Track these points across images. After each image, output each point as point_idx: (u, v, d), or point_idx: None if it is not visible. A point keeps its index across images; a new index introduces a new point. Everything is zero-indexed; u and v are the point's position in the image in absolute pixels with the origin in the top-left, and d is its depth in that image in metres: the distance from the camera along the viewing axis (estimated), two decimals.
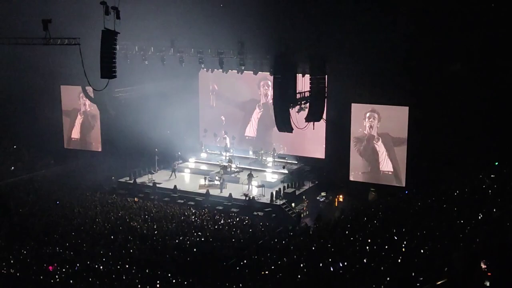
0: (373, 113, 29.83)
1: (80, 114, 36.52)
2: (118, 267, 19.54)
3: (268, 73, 29.05)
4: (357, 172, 30.52)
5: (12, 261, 20.11)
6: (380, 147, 29.91)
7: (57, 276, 18.63)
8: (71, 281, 18.11)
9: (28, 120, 33.80)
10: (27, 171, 33.59)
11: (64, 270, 19.23)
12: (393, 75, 27.46)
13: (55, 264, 19.67)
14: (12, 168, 33.77)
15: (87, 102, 35.44)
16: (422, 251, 17.92)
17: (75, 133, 36.95)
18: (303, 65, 26.62)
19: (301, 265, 18.50)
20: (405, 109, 28.83)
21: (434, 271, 15.57)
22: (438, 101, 27.30)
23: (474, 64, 26.22)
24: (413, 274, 15.62)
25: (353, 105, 30.09)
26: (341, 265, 17.30)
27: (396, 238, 19.93)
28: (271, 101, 33.13)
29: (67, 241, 22.29)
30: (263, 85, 34.82)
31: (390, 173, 29.68)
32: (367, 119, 29.96)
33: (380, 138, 29.88)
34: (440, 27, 25.71)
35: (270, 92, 33.53)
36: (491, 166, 25.99)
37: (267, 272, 18.31)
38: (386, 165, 29.81)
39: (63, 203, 27.89)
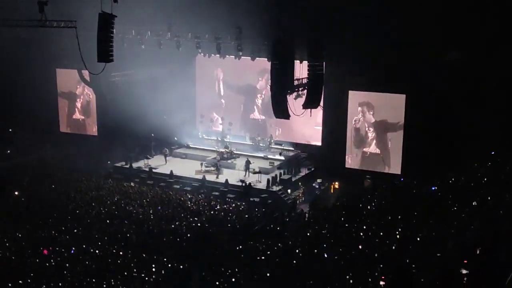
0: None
1: (76, 98, 36.35)
2: (114, 251, 19.60)
3: (266, 59, 28.89)
4: (351, 157, 30.56)
5: (7, 244, 20.13)
6: (372, 133, 29.97)
7: (52, 260, 18.67)
8: (66, 265, 18.16)
9: (24, 103, 33.60)
10: (23, 154, 33.50)
11: (59, 253, 19.28)
12: (390, 63, 27.38)
13: (50, 248, 19.71)
14: (8, 151, 33.68)
15: (83, 86, 35.25)
16: (417, 238, 18.04)
17: (71, 117, 36.81)
18: (301, 51, 26.47)
19: (297, 250, 18.60)
20: (402, 97, 28.81)
21: (428, 258, 15.69)
22: (435, 89, 27.27)
23: (472, 53, 26.16)
24: (407, 261, 15.73)
25: (350, 92, 30.05)
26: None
27: (391, 225, 20.04)
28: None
29: (63, 225, 22.31)
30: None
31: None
32: (360, 113, 30.02)
33: (373, 126, 29.92)
34: (438, 14, 25.60)
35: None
36: (487, 154, 26.09)
37: (262, 257, 18.40)
38: (374, 149, 29.95)
39: (59, 187, 27.87)
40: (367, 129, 30.15)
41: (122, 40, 29.13)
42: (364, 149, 30.24)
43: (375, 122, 29.87)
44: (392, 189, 26.26)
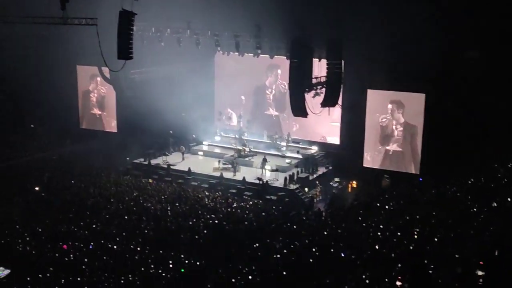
0: (393, 104, 29.54)
1: (96, 95, 36.70)
2: (132, 247, 19.77)
3: (285, 57, 28.87)
4: (371, 154, 30.41)
5: (27, 239, 20.42)
6: (398, 132, 29.73)
7: (71, 255, 18.90)
8: (85, 260, 18.37)
9: (45, 100, 34.01)
10: (43, 150, 33.90)
11: (78, 248, 19.51)
12: (410, 61, 27.17)
13: (70, 243, 19.95)
14: (29, 147, 34.09)
15: (103, 82, 35.55)
16: (435, 238, 17.92)
17: (90, 114, 37.19)
18: (319, 49, 26.42)
19: (313, 249, 18.58)
20: (422, 96, 28.59)
21: (446, 259, 15.58)
22: (455, 88, 27.01)
23: (492, 52, 25.86)
24: (425, 261, 15.63)
25: (369, 91, 29.87)
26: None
27: (408, 225, 19.93)
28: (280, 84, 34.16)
29: (82, 220, 22.55)
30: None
31: (400, 153, 29.61)
32: (388, 111, 29.67)
33: (401, 125, 29.68)
34: (459, 13, 25.35)
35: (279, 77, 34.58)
36: (507, 155, 25.80)
37: (279, 256, 18.42)
38: (397, 147, 29.75)
39: (78, 182, 28.18)
40: (394, 127, 29.84)
41: (142, 37, 29.33)
42: (387, 147, 30.02)
43: (403, 121, 29.57)
44: (411, 189, 26.10)
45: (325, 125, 32.66)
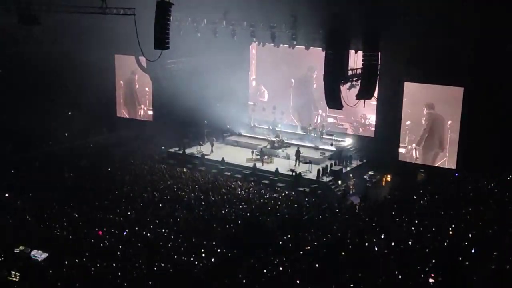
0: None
1: (133, 83, 37.14)
2: (165, 234, 20.02)
3: (320, 48, 28.66)
4: (405, 148, 30.04)
5: (65, 224, 20.88)
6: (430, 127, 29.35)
7: (106, 241, 19.25)
8: (119, 246, 18.69)
9: (83, 87, 34.59)
10: (81, 137, 34.51)
11: (113, 235, 19.85)
12: (448, 54, 26.66)
13: (105, 229, 20.31)
14: (66, 134, 34.77)
15: (140, 71, 35.93)
16: (470, 235, 17.61)
17: (128, 103, 37.69)
18: (356, 41, 26.12)
19: (345, 243, 18.49)
20: (460, 90, 28.03)
21: (481, 257, 15.31)
22: (495, 82, 26.36)
23: None
24: (459, 258, 15.40)
25: (405, 83, 29.45)
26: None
27: (443, 221, 19.64)
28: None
29: (117, 207, 22.92)
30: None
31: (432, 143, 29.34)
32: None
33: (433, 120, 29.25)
34: (500, 4, 24.68)
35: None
36: None
37: (310, 248, 18.40)
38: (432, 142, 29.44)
39: (114, 170, 28.63)
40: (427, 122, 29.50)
41: (179, 27, 29.49)
42: (422, 141, 29.70)
43: (435, 115, 29.19)
44: (446, 184, 25.68)
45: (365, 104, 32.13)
